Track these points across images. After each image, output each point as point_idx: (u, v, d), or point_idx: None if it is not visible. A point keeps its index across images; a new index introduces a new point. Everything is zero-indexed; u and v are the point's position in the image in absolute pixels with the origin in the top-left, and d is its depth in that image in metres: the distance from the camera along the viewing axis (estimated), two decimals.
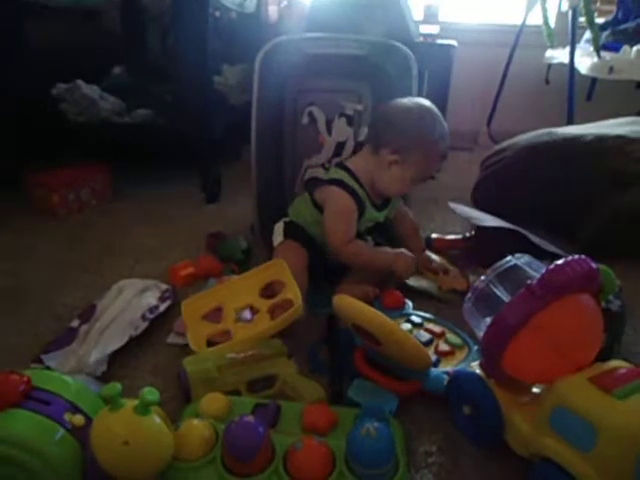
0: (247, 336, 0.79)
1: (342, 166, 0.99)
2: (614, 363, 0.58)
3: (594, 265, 0.57)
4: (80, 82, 1.45)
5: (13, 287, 1.03)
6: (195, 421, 0.59)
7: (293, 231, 1.00)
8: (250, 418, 0.56)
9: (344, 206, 0.94)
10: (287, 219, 1.03)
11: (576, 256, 0.57)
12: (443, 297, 1.00)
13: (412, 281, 1.02)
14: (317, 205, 1.00)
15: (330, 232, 0.95)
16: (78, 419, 0.53)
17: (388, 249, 0.98)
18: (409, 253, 0.97)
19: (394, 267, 0.95)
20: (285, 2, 1.96)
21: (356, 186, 0.95)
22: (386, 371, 0.72)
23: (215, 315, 0.88)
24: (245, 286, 0.91)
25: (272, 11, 1.99)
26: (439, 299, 0.99)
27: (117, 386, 0.51)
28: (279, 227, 1.02)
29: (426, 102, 0.97)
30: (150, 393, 0.51)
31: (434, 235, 1.23)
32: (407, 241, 1.07)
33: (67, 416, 0.53)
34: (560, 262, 0.56)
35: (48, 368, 0.74)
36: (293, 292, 0.83)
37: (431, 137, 0.92)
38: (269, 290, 0.90)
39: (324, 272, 0.99)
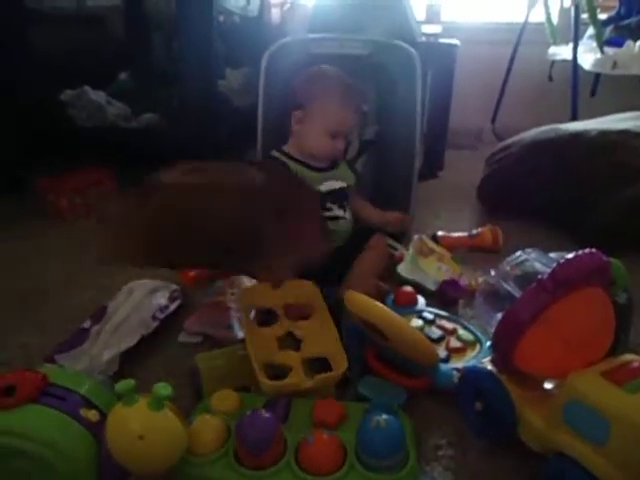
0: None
1: (277, 149, 1.05)
2: (626, 357, 0.58)
3: (605, 259, 0.57)
4: (87, 88, 1.48)
5: (25, 289, 1.05)
6: (207, 416, 0.60)
7: None
8: (262, 412, 0.57)
9: None
10: None
11: (587, 250, 0.57)
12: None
13: (404, 272, 1.03)
14: None
15: None
16: (93, 414, 0.55)
17: None
18: None
19: None
20: (288, 5, 1.97)
21: (284, 158, 1.02)
22: (396, 367, 0.72)
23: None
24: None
25: (275, 14, 2.01)
26: (432, 293, 0.99)
27: (131, 382, 0.52)
28: None
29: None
30: (163, 388, 0.52)
31: (440, 233, 1.23)
32: (365, 214, 1.09)
33: (82, 411, 0.54)
34: (571, 256, 0.56)
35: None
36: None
37: (317, 83, 1.01)
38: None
39: (321, 274, 0.90)
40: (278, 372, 0.69)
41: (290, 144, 1.05)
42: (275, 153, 1.04)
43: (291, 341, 0.75)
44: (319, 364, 0.71)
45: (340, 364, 0.69)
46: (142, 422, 0.51)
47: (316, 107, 0.99)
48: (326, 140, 1.00)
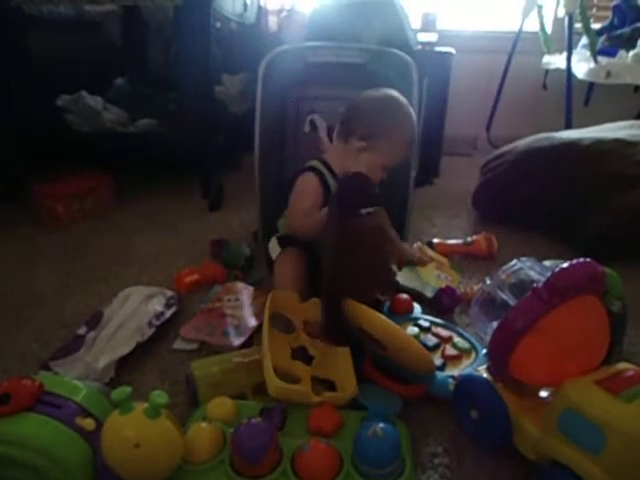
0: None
1: (318, 157, 1.02)
2: (621, 365, 0.58)
3: (600, 268, 0.58)
4: (84, 93, 1.47)
5: (20, 295, 1.04)
6: (203, 424, 0.60)
7: (289, 240, 0.99)
8: (258, 420, 0.57)
9: (309, 186, 0.97)
10: (279, 234, 1.02)
11: (581, 259, 0.57)
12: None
13: (402, 279, 1.03)
14: None
15: (290, 211, 0.98)
16: (89, 423, 0.54)
17: None
18: None
19: None
20: (285, 12, 1.98)
21: (326, 172, 0.98)
22: (393, 375, 0.72)
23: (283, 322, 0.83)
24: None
25: (272, 21, 2.02)
26: (430, 300, 0.99)
27: (127, 390, 0.52)
28: (273, 243, 1.01)
29: (393, 92, 1.00)
30: (159, 396, 0.52)
31: (435, 240, 1.24)
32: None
33: (78, 420, 0.54)
34: (566, 265, 0.56)
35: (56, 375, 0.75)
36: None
37: (395, 124, 0.97)
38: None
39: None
40: (285, 380, 0.69)
41: (331, 156, 1.01)
42: (314, 162, 1.01)
43: (303, 355, 0.75)
44: (325, 386, 0.71)
45: (348, 389, 0.69)
46: (138, 430, 0.51)
47: (383, 146, 0.96)
48: (379, 172, 0.99)
